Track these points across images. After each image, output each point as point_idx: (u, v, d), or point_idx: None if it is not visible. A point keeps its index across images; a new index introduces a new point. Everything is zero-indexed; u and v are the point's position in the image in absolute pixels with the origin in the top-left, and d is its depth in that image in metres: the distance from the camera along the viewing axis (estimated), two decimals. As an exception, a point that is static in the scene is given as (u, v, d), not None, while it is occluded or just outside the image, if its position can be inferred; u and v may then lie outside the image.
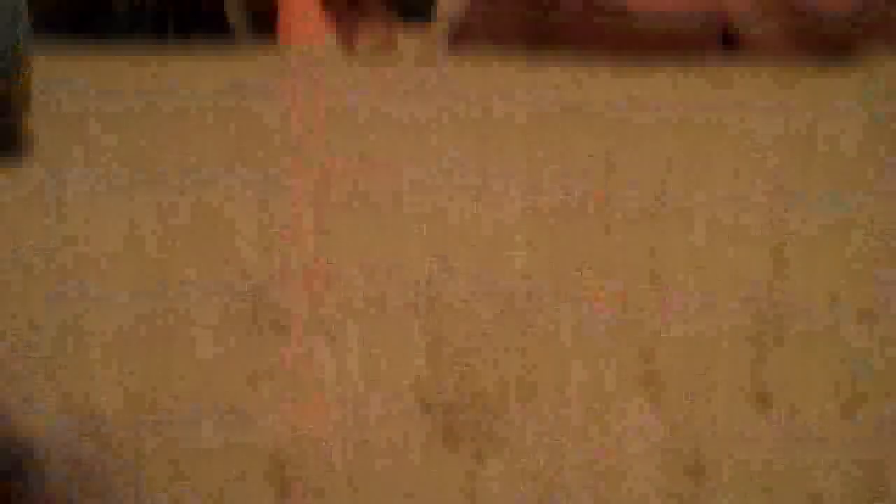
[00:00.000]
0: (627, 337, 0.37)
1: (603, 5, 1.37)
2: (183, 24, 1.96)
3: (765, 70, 1.16)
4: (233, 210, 0.56)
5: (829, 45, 1.39)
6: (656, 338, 0.36)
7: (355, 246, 0.50)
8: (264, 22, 2.24)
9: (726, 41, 1.47)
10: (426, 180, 0.64)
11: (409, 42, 1.56)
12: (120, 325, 0.39)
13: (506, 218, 0.54)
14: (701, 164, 0.68)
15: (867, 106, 1.00)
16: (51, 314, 0.40)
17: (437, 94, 1.05)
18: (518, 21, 1.58)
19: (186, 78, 1.23)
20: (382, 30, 1.57)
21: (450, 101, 0.98)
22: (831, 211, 0.56)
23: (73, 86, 1.12)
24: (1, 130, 0.66)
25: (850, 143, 0.79)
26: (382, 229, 0.54)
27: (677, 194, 0.61)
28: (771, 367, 0.35)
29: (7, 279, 0.44)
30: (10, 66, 0.64)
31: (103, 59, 1.44)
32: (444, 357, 0.35)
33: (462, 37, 1.70)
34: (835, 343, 0.37)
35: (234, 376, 0.36)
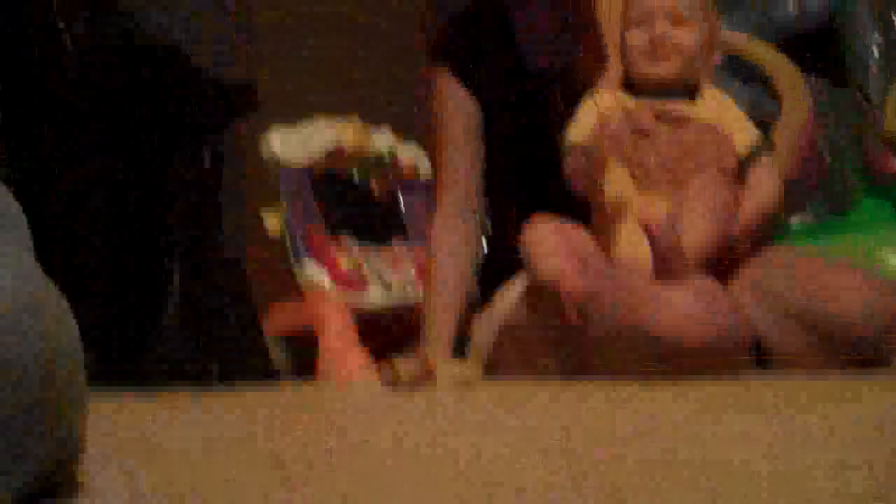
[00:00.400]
0: None
1: (632, 332, 1.39)
2: (226, 368, 2.03)
3: (797, 384, 1.16)
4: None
5: (859, 359, 1.43)
6: None
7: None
8: (306, 362, 2.36)
9: (757, 357, 1.52)
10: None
11: (446, 369, 1.58)
12: None
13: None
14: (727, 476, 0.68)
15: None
16: None
17: (471, 419, 1.06)
18: (547, 348, 1.62)
19: (226, 413, 1.27)
20: (421, 362, 1.61)
21: (480, 424, 1.00)
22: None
23: (116, 424, 1.14)
24: (59, 470, 0.66)
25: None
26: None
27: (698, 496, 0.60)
28: None
29: None
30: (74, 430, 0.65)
31: (145, 399, 1.48)
32: None
33: (494, 364, 1.77)
34: None
35: None
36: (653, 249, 1.55)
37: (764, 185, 1.68)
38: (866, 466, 0.63)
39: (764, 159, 1.70)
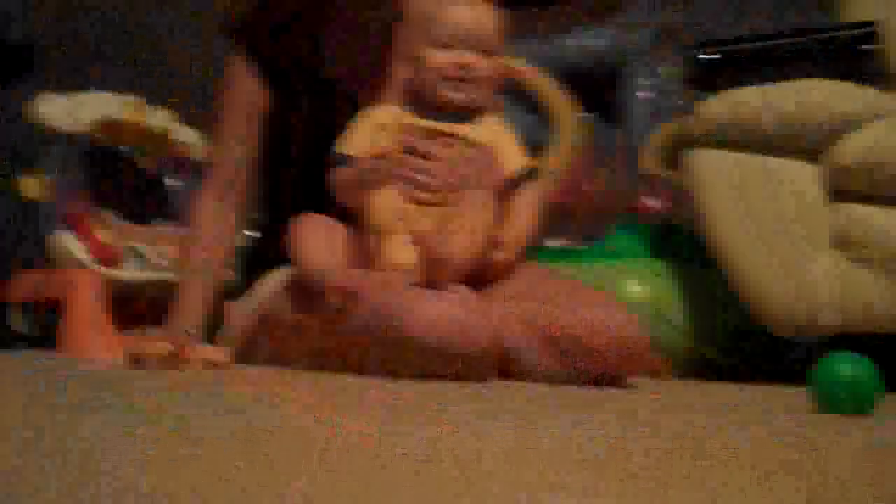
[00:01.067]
0: None
1: (387, 332, 1.41)
2: None
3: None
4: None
5: (597, 377, 1.54)
6: None
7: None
8: (50, 333, 2.20)
9: (506, 368, 1.59)
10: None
11: (197, 351, 1.53)
12: None
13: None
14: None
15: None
16: None
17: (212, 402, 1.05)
18: (302, 340, 1.60)
19: None
20: (171, 342, 1.56)
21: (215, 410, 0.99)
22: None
23: None
24: None
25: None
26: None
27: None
28: None
29: None
30: None
31: None
32: None
33: (247, 351, 1.73)
34: None
35: None
36: (420, 259, 1.58)
37: (526, 208, 1.75)
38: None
39: (529, 183, 1.77)
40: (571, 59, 2.66)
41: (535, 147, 2.11)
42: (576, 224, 2.26)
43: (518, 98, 2.42)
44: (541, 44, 2.66)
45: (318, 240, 1.67)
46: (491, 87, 1.75)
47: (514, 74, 2.39)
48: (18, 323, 2.24)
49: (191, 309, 1.74)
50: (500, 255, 1.69)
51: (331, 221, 1.70)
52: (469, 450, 0.72)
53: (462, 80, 1.71)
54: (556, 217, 2.18)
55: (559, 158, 2.29)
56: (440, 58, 1.71)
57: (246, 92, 1.84)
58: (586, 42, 2.67)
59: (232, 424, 0.83)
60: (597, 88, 2.62)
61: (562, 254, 2.17)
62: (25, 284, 2.24)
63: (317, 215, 1.70)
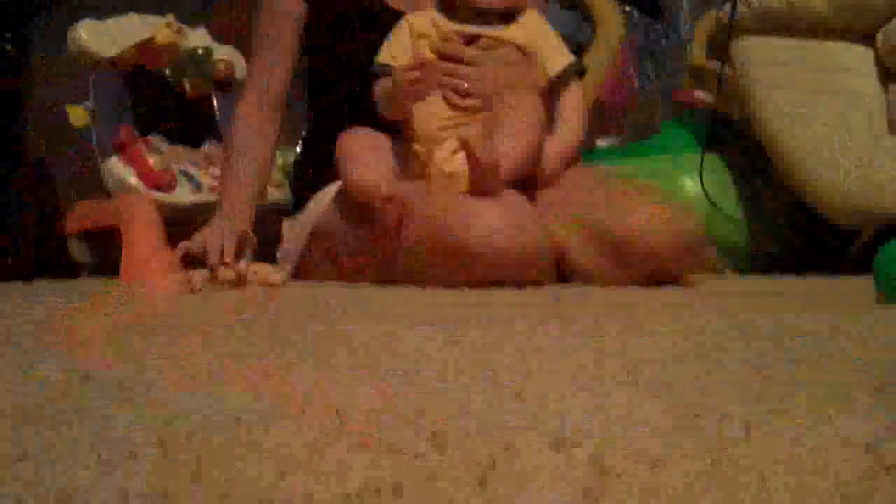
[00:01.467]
0: None
1: (442, 241, 1.38)
2: (22, 264, 1.90)
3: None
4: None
5: (651, 275, 1.51)
6: None
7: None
8: (109, 262, 2.19)
9: (562, 271, 1.56)
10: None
11: (255, 270, 1.51)
12: None
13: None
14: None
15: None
16: None
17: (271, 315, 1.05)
18: (357, 254, 1.58)
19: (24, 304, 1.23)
20: (231, 270, 1.56)
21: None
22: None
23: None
24: None
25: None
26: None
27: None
28: None
29: None
30: None
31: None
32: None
33: (304, 268, 1.72)
34: None
35: None
36: (469, 166, 1.58)
37: (573, 108, 1.73)
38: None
39: (574, 82, 1.75)
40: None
41: (578, 45, 2.08)
42: (624, 121, 2.24)
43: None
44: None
45: (365, 153, 1.66)
46: None
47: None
48: (79, 253, 2.27)
49: (236, 219, 1.72)
50: (548, 161, 1.67)
51: (376, 133, 1.70)
52: (529, 352, 0.72)
53: None
54: (604, 115, 2.16)
55: (603, 55, 2.26)
56: None
57: (285, 6, 1.83)
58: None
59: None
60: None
61: (613, 153, 2.15)
62: (82, 214, 2.26)
63: (362, 128, 1.70)
